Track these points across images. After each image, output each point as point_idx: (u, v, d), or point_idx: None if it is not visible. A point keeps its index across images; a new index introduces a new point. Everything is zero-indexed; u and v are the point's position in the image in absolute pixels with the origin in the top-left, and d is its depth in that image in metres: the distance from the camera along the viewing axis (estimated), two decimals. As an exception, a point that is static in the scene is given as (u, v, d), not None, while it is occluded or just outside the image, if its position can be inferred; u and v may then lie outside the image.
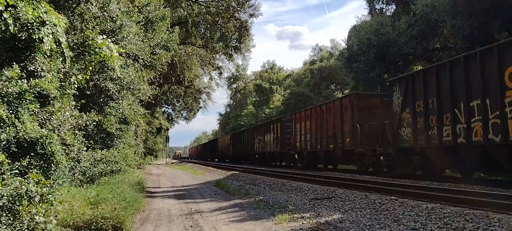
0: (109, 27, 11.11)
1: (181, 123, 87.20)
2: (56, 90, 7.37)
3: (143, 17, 14.77)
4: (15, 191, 4.35)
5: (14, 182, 4.49)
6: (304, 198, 9.70)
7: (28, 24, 6.24)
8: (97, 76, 10.78)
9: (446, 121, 10.99)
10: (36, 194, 4.45)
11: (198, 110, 48.69)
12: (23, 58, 6.83)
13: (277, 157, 27.81)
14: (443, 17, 19.25)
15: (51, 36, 6.40)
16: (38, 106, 6.66)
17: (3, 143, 5.47)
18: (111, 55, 7.82)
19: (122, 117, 12.57)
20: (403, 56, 23.65)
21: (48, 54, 7.09)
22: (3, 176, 4.64)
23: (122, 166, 11.47)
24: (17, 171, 5.18)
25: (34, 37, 6.28)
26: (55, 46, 6.66)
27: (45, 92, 6.91)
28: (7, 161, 4.93)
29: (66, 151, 7.46)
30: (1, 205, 4.16)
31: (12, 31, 5.97)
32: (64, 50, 6.90)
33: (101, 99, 11.48)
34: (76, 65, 8.56)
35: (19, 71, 6.18)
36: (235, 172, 22.38)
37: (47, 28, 6.34)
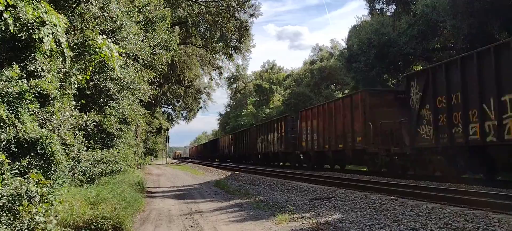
0: (109, 27, 11.11)
1: (181, 123, 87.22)
2: (56, 90, 7.37)
3: (143, 17, 14.77)
4: (15, 191, 4.35)
5: (14, 182, 4.49)
6: (304, 198, 9.70)
7: (28, 24, 6.24)
8: (97, 76, 10.78)
9: (473, 117, 10.14)
10: (36, 194, 4.45)
11: (198, 110, 48.71)
12: (23, 58, 6.83)
13: (281, 157, 27.06)
14: (443, 17, 19.24)
15: (51, 36, 6.40)
16: (38, 106, 6.66)
17: (3, 143, 5.47)
18: (111, 55, 7.81)
19: (122, 116, 12.57)
20: (403, 56, 23.66)
21: (48, 54, 7.09)
22: (3, 176, 4.64)
23: (122, 166, 11.47)
24: (17, 171, 5.18)
25: (34, 37, 6.28)
26: (55, 46, 6.65)
27: (45, 92, 6.91)
28: (7, 161, 4.93)
29: (66, 151, 7.46)
30: (1, 205, 4.16)
31: (12, 31, 5.96)
32: (64, 50, 6.90)
33: (101, 99, 11.48)
34: (76, 65, 8.56)
35: (19, 71, 6.18)
36: (235, 172, 22.37)
37: (47, 28, 6.34)
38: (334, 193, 9.83)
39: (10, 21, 5.76)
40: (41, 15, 6.22)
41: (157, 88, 25.33)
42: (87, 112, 10.01)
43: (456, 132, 10.74)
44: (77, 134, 8.65)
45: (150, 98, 18.36)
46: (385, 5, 29.54)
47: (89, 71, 8.74)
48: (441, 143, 11.27)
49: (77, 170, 8.44)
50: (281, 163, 27.99)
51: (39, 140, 5.87)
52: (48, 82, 7.02)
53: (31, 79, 6.70)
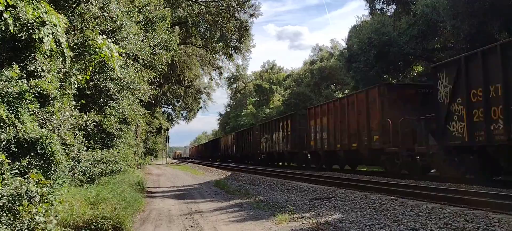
0: (109, 27, 11.11)
1: (181, 123, 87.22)
2: (56, 90, 7.37)
3: (143, 17, 14.77)
4: (15, 191, 4.35)
5: (14, 182, 4.49)
6: (304, 198, 9.69)
7: (28, 24, 6.24)
8: (97, 76, 10.78)
9: None
10: (36, 194, 4.45)
11: (198, 110, 48.72)
12: (23, 58, 6.83)
13: (287, 157, 25.89)
14: (443, 18, 19.25)
15: (51, 36, 6.40)
16: (38, 106, 6.66)
17: (3, 143, 5.47)
18: (111, 55, 7.81)
19: (122, 116, 12.57)
20: (404, 56, 23.67)
21: (48, 54, 7.09)
22: (3, 176, 4.64)
23: (122, 166, 11.47)
24: (17, 171, 5.18)
25: (34, 37, 6.28)
26: (55, 46, 6.65)
27: (45, 92, 6.91)
28: (7, 161, 4.93)
29: (66, 151, 7.46)
30: (1, 205, 4.16)
31: (12, 31, 5.96)
32: (64, 50, 6.90)
33: (101, 99, 11.48)
34: (76, 65, 8.56)
35: (19, 71, 6.18)
36: (235, 172, 22.38)
37: (47, 28, 6.34)
38: (334, 193, 9.83)
39: (10, 21, 5.76)
40: (41, 15, 6.22)
41: (157, 88, 25.33)
42: (87, 112, 10.01)
43: (495, 128, 9.61)
44: (77, 134, 8.65)
45: (150, 98, 18.36)
46: (385, 5, 29.58)
47: (89, 71, 8.75)
48: (477, 141, 10.17)
49: (77, 170, 8.44)
50: (286, 163, 26.94)
51: (39, 140, 5.87)
52: (48, 82, 7.02)
53: (31, 79, 6.70)
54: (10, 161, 5.13)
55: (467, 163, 10.92)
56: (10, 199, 4.24)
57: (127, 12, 12.55)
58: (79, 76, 8.43)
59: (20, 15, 6.11)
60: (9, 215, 4.19)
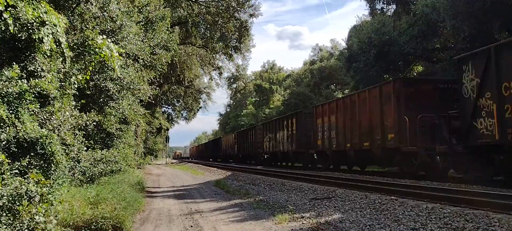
0: (109, 27, 11.11)
1: (181, 123, 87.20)
2: (56, 90, 7.37)
3: (143, 17, 14.77)
4: (15, 191, 4.35)
5: (14, 182, 4.49)
6: (304, 198, 9.69)
7: (28, 24, 6.24)
8: (97, 76, 10.78)
9: None
10: (36, 194, 4.45)
11: (198, 110, 48.74)
12: (23, 58, 6.83)
13: (291, 157, 24.89)
14: (443, 17, 19.26)
15: (51, 36, 6.40)
16: (38, 106, 6.66)
17: (3, 143, 5.47)
18: (111, 55, 7.81)
19: (122, 117, 12.57)
20: (404, 55, 23.68)
21: (48, 54, 7.09)
22: (3, 176, 4.64)
23: (122, 166, 11.47)
24: (17, 171, 5.18)
25: (34, 37, 6.28)
26: (55, 46, 6.65)
27: (45, 92, 6.91)
28: (7, 161, 4.93)
29: (66, 151, 7.46)
30: (1, 205, 4.16)
31: (12, 31, 5.96)
32: (64, 50, 6.90)
33: (101, 99, 11.48)
34: (76, 65, 8.56)
35: (19, 71, 6.18)
36: (235, 172, 22.38)
37: (47, 28, 6.34)
38: (334, 193, 9.83)
39: (10, 21, 5.76)
40: (41, 15, 6.22)
41: (157, 88, 25.33)
42: (87, 112, 10.01)
43: None
44: (77, 134, 8.65)
45: (150, 98, 18.37)
46: (385, 5, 29.60)
47: (89, 71, 8.75)
48: (509, 139, 9.36)
49: (77, 170, 8.45)
50: (290, 164, 26.21)
51: (39, 140, 5.87)
52: (48, 82, 7.02)
53: (31, 79, 6.70)
54: (10, 161, 5.13)
55: (497, 163, 10.19)
56: (10, 199, 4.24)
57: (127, 12, 12.56)
58: (79, 76, 8.43)
59: (20, 15, 6.11)
60: (9, 215, 4.19)
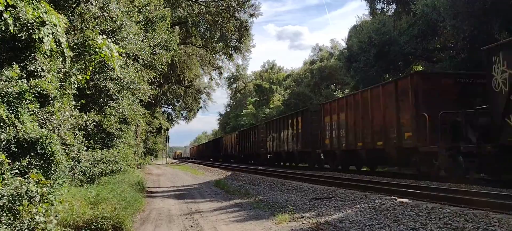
0: (109, 27, 11.11)
1: (181, 123, 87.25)
2: (56, 90, 7.37)
3: (143, 17, 14.78)
4: (15, 191, 4.35)
5: (14, 182, 4.49)
6: (304, 198, 9.70)
7: (28, 24, 6.25)
8: (97, 76, 10.79)
9: None
10: (36, 194, 4.46)
11: (198, 110, 48.72)
12: (23, 58, 6.84)
13: (296, 157, 23.91)
14: (443, 17, 19.26)
15: (51, 36, 6.40)
16: (38, 106, 6.66)
17: (3, 143, 5.48)
18: (111, 55, 7.81)
19: (122, 117, 12.58)
20: (404, 55, 23.68)
21: (48, 54, 7.09)
22: (3, 176, 4.64)
23: (122, 166, 11.48)
24: (17, 171, 5.19)
25: (34, 37, 6.29)
26: (55, 46, 6.66)
27: (45, 92, 6.92)
28: (7, 161, 4.93)
29: (66, 151, 7.47)
30: (1, 205, 4.16)
31: (12, 31, 5.97)
32: (64, 50, 6.90)
33: (101, 99, 11.49)
34: (76, 65, 8.56)
35: (19, 71, 6.19)
36: (235, 172, 22.38)
37: (47, 28, 6.34)
38: (334, 193, 9.83)
39: (10, 21, 5.76)
40: (41, 15, 6.22)
41: (157, 88, 25.34)
42: (87, 112, 10.01)
43: None
44: (77, 134, 8.65)
45: (150, 98, 18.37)
46: (385, 5, 29.61)
47: (89, 71, 8.75)
48: None
49: (77, 170, 8.45)
50: (294, 164, 25.43)
51: (39, 140, 5.87)
52: (48, 82, 7.03)
53: (31, 79, 6.71)
54: (10, 161, 5.13)
55: None
56: (10, 199, 4.25)
57: (127, 12, 12.56)
58: (79, 76, 8.44)
59: (20, 15, 6.12)
60: (9, 215, 4.19)
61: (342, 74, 39.73)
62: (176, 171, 28.62)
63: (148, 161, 40.08)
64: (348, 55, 28.56)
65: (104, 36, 8.10)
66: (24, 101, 6.03)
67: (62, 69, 8.02)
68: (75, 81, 8.38)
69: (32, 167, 5.61)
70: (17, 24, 6.16)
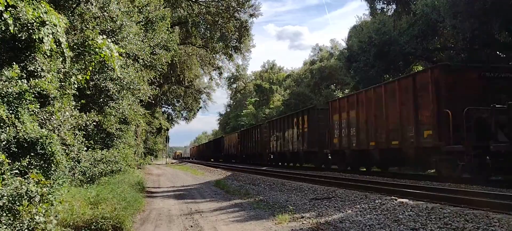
0: (109, 27, 11.11)
1: (181, 123, 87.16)
2: (56, 90, 7.37)
3: (143, 17, 14.78)
4: (15, 191, 4.35)
5: (14, 182, 4.49)
6: (304, 198, 9.70)
7: (28, 24, 6.25)
8: (97, 76, 10.79)
9: None
10: (36, 194, 4.46)
11: (198, 110, 48.72)
12: (23, 58, 6.84)
13: (302, 157, 23.04)
14: (443, 17, 19.27)
15: (51, 36, 6.40)
16: (38, 106, 6.66)
17: (3, 143, 5.48)
18: (111, 55, 7.81)
19: (122, 117, 12.58)
20: (404, 55, 23.67)
21: (48, 54, 7.09)
22: (3, 176, 4.64)
23: (122, 166, 11.48)
24: (17, 171, 5.18)
25: (34, 37, 6.29)
26: (55, 46, 6.66)
27: (45, 92, 6.92)
28: (7, 161, 4.93)
29: (66, 151, 7.47)
30: (1, 205, 4.16)
31: (12, 31, 5.97)
32: (64, 50, 6.90)
33: (101, 99, 11.49)
34: (76, 65, 8.56)
35: (19, 71, 6.19)
36: (235, 172, 22.39)
37: (47, 28, 6.34)
38: (334, 193, 9.83)
39: (10, 21, 5.76)
40: (41, 15, 6.22)
41: (157, 88, 25.33)
42: (87, 112, 10.01)
43: None
44: (77, 134, 8.65)
45: (150, 98, 18.37)
46: (385, 5, 29.60)
47: (89, 71, 8.75)
48: None
49: (77, 170, 8.45)
50: (298, 164, 24.65)
51: (39, 140, 5.87)
52: (48, 82, 7.03)
53: (31, 79, 6.71)
54: (10, 161, 5.13)
55: None
56: (10, 199, 4.25)
57: (127, 12, 12.56)
58: (79, 76, 8.44)
59: (20, 15, 6.12)
60: (9, 215, 4.19)
61: (342, 74, 39.74)
62: (176, 171, 28.62)
63: (148, 161, 40.08)
64: (348, 55, 28.56)
65: (104, 36, 8.09)
66: (24, 101, 6.03)
67: (62, 69, 8.02)
68: (75, 81, 8.38)
69: (32, 167, 5.62)
70: (17, 24, 6.16)
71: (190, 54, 32.47)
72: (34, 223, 4.30)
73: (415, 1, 23.38)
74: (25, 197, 4.35)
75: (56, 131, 7.22)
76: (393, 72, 25.67)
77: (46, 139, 5.96)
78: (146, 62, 14.50)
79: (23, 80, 6.19)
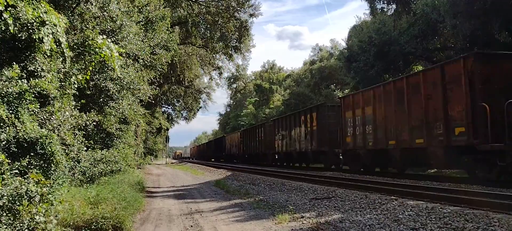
0: (109, 27, 11.11)
1: (181, 123, 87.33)
2: (56, 90, 7.37)
3: (143, 17, 14.78)
4: (15, 191, 4.35)
5: (14, 182, 4.49)
6: (304, 198, 9.70)
7: (28, 24, 6.25)
8: (97, 76, 10.79)
9: None
10: (36, 194, 4.46)
11: (198, 110, 48.69)
12: (23, 58, 6.84)
13: (310, 157, 21.80)
14: (444, 17, 19.27)
15: (51, 36, 6.40)
16: (38, 106, 6.66)
17: (3, 143, 5.48)
18: (111, 55, 7.81)
19: (122, 117, 12.58)
20: (404, 55, 23.68)
21: (48, 54, 7.09)
22: (3, 176, 4.64)
23: (122, 166, 11.48)
24: (17, 171, 5.19)
25: (34, 37, 6.29)
26: (55, 46, 6.66)
27: (45, 92, 6.92)
28: (7, 161, 4.93)
29: (66, 151, 7.47)
30: (1, 205, 4.16)
31: (12, 31, 5.97)
32: (64, 50, 6.90)
33: (101, 99, 11.49)
34: (76, 65, 8.56)
35: (19, 71, 6.19)
36: (235, 172, 22.39)
37: (47, 28, 6.34)
38: (334, 193, 9.83)
39: (10, 21, 5.76)
40: (41, 15, 6.22)
41: (157, 88, 25.33)
42: (87, 112, 10.01)
43: None
44: (77, 134, 8.65)
45: (150, 98, 18.37)
46: (385, 4, 29.60)
47: (89, 71, 8.75)
48: None
49: (77, 170, 8.45)
50: (304, 164, 23.64)
51: (39, 140, 5.87)
52: (48, 82, 7.03)
53: (31, 79, 6.71)
54: (10, 161, 5.13)
55: None
56: (10, 199, 4.25)
57: (127, 12, 12.56)
58: (79, 76, 8.44)
59: (20, 15, 6.12)
60: (9, 215, 4.19)
61: (342, 74, 39.74)
62: (176, 171, 28.61)
63: (148, 161, 40.08)
64: (348, 55, 28.57)
65: (104, 36, 8.10)
66: (24, 101, 6.03)
67: (62, 69, 8.02)
68: (75, 81, 8.38)
69: (32, 167, 5.62)
70: (17, 24, 6.16)
71: (190, 54, 32.47)
72: (34, 223, 4.30)
73: (415, 1, 23.40)
74: (25, 197, 4.35)
75: (56, 131, 7.22)
76: (393, 72, 25.68)
77: (46, 138, 5.96)
78: (146, 62, 14.51)
79: (23, 80, 6.19)
